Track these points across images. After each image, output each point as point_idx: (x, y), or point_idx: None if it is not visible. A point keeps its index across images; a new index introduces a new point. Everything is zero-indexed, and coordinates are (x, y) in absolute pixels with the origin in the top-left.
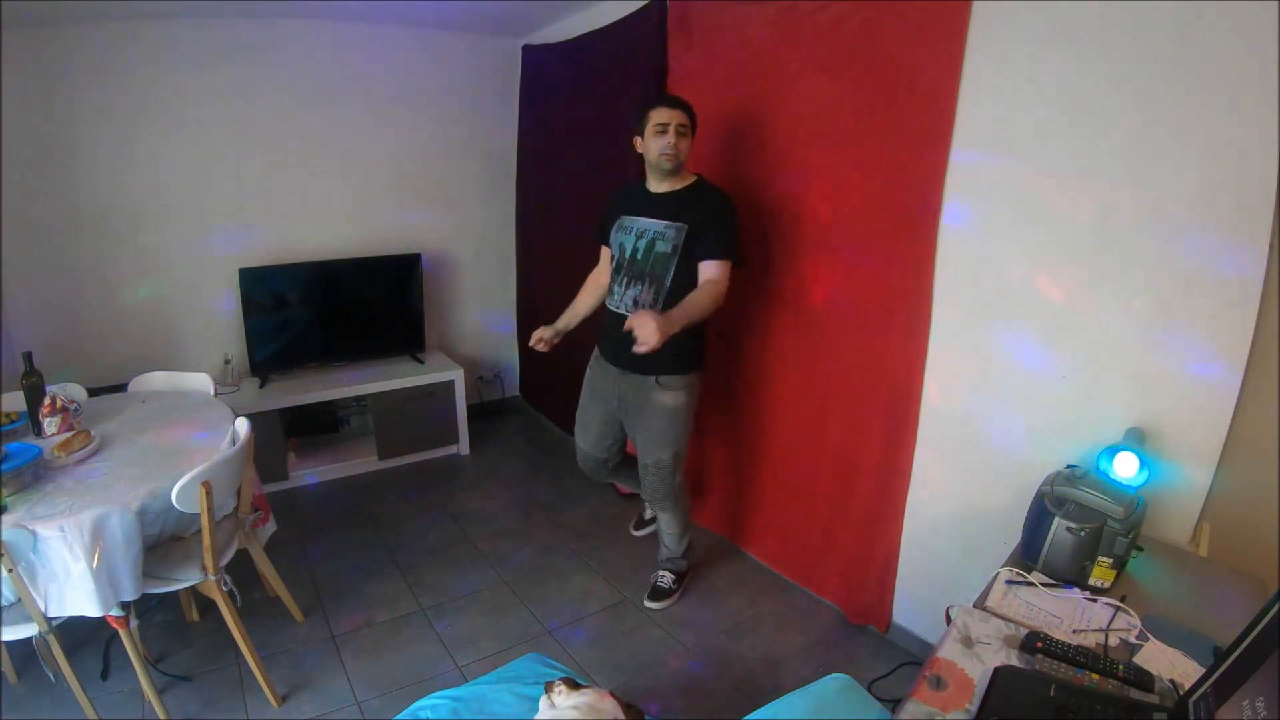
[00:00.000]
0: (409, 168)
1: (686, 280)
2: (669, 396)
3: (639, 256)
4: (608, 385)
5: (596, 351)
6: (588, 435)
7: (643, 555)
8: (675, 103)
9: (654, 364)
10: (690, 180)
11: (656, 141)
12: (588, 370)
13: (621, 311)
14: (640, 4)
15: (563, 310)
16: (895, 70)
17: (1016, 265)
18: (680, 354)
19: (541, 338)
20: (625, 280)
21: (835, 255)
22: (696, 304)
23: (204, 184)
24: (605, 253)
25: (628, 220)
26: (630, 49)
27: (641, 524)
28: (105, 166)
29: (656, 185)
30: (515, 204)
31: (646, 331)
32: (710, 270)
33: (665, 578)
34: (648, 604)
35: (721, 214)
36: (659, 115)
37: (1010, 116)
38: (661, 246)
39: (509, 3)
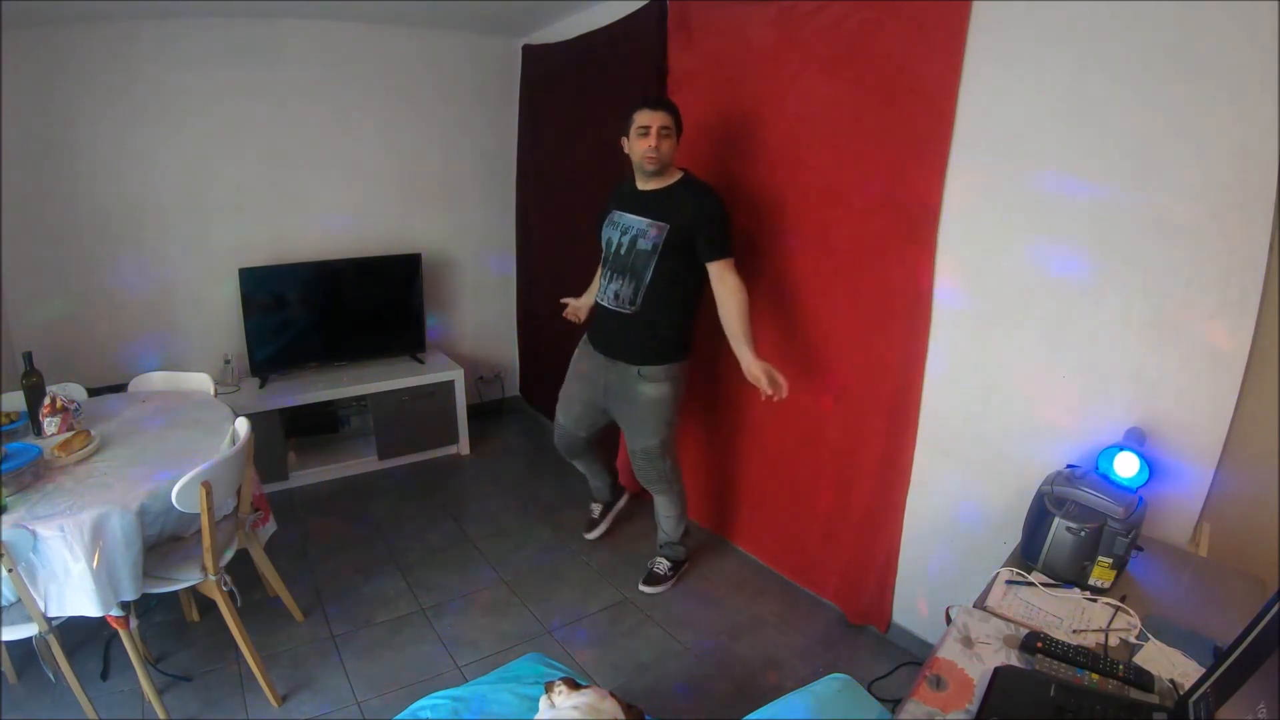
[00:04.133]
0: (409, 168)
1: (664, 278)
2: (651, 388)
3: (622, 252)
4: (594, 371)
5: (586, 337)
6: (570, 414)
7: (643, 555)
8: (658, 104)
9: (637, 355)
10: (675, 178)
11: (640, 144)
12: (575, 353)
13: (607, 305)
14: (640, 4)
15: (563, 307)
16: (895, 70)
17: (1016, 264)
18: (662, 346)
19: (574, 308)
20: (610, 275)
21: (835, 255)
22: (741, 323)
23: (204, 184)
24: None
25: (616, 215)
26: (630, 49)
27: (593, 526)
28: (105, 166)
29: (643, 184)
30: (515, 204)
31: (777, 388)
32: (720, 272)
33: (661, 564)
34: (642, 588)
35: (713, 214)
36: (642, 118)
37: (1010, 116)
38: (643, 244)
39: (509, 3)
